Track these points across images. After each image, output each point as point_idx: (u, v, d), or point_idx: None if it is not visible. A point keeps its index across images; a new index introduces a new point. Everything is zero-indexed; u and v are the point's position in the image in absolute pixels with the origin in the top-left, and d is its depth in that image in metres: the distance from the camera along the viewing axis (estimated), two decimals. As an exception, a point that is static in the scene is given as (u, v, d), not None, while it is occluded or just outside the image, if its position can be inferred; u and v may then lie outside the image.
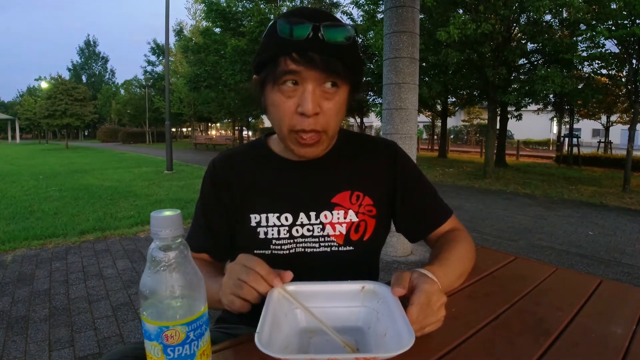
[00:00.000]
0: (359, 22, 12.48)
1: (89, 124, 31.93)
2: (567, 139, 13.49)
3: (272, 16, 13.44)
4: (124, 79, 52.38)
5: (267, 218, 0.77)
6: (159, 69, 35.70)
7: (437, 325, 0.56)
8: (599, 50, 7.95)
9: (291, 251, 0.76)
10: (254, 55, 0.73)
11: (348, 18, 13.69)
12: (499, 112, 11.13)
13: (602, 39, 7.37)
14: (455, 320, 0.61)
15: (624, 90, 9.14)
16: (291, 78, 0.66)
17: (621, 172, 8.45)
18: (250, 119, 24.97)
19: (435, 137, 24.69)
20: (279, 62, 0.65)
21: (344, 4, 17.96)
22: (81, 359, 1.86)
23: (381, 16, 10.24)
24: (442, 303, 0.57)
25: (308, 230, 0.77)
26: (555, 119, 18.60)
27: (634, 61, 7.53)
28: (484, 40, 8.22)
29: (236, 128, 28.01)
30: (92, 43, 54.95)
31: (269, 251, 0.76)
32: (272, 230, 0.76)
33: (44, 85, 28.65)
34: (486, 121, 10.55)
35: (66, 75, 47.77)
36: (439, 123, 19.86)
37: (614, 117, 17.25)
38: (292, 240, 0.76)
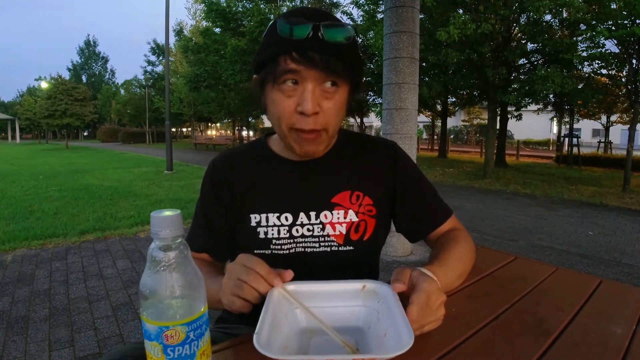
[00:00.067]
0: (359, 22, 12.48)
1: (89, 124, 31.94)
2: (567, 139, 13.49)
3: (272, 16, 13.44)
4: (124, 79, 52.45)
5: (267, 218, 0.77)
6: (159, 69, 35.76)
7: (436, 324, 0.56)
8: (599, 50, 7.95)
9: (291, 251, 0.76)
10: (254, 55, 0.73)
11: (348, 18, 13.70)
12: (499, 112, 11.13)
13: (602, 39, 7.37)
14: (455, 320, 0.61)
15: (624, 90, 9.13)
16: (291, 77, 0.66)
17: (621, 172, 8.45)
18: (250, 119, 24.98)
19: (435, 137, 24.70)
20: (279, 61, 0.65)
21: (344, 4, 18.00)
22: (81, 359, 1.86)
23: (381, 16, 10.24)
24: (442, 302, 0.57)
25: (308, 230, 0.77)
26: (555, 119, 18.60)
27: (634, 61, 7.53)
28: (484, 40, 8.22)
29: (236, 128, 28.02)
30: (92, 43, 54.99)
31: (269, 251, 0.76)
32: (272, 230, 0.76)
33: (44, 85, 28.66)
34: (486, 121, 10.55)
35: (66, 75, 47.83)
36: (439, 123, 19.86)
37: (614, 117, 17.25)
38: (292, 240, 0.76)
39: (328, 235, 0.77)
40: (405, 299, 0.56)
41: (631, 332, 0.59)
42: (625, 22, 7.18)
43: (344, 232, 0.77)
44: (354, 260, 0.78)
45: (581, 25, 8.41)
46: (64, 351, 1.92)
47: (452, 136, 30.20)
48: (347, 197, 0.79)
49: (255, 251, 0.76)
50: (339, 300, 0.60)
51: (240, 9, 15.52)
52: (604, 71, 9.02)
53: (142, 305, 0.41)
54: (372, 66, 12.33)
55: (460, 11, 8.61)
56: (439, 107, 16.30)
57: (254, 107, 19.57)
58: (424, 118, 22.43)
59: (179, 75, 25.84)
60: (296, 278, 0.59)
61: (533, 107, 13.21)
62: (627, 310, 0.67)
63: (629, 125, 7.88)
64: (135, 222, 4.44)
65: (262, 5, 14.43)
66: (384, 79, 3.32)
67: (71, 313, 2.32)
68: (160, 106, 26.23)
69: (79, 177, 8.48)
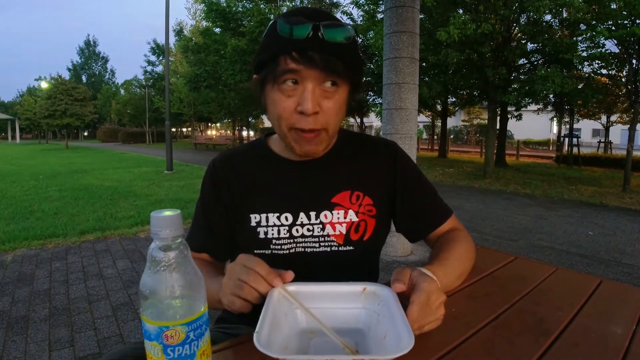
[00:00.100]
0: (359, 22, 12.48)
1: (89, 124, 31.93)
2: (567, 139, 13.49)
3: (272, 16, 13.44)
4: (124, 79, 52.45)
5: (267, 218, 0.77)
6: (159, 69, 35.76)
7: (436, 324, 0.56)
8: (599, 50, 7.95)
9: (291, 251, 0.76)
10: (254, 55, 0.73)
11: (348, 18, 13.70)
12: (499, 112, 11.13)
13: (602, 39, 7.37)
14: (455, 320, 0.61)
15: (624, 90, 9.13)
16: (291, 77, 0.66)
17: (621, 172, 8.45)
18: (250, 119, 24.98)
19: (435, 137, 24.70)
20: (279, 61, 0.65)
21: (344, 4, 18.00)
22: (81, 359, 1.86)
23: (381, 16, 10.24)
24: (441, 302, 0.57)
25: (308, 230, 0.77)
26: (555, 119, 18.60)
27: (634, 61, 7.53)
28: (484, 40, 8.22)
29: (237, 128, 28.02)
30: (92, 43, 54.99)
31: (269, 251, 0.76)
32: (272, 230, 0.76)
33: (44, 85, 28.66)
34: (486, 121, 10.55)
35: (66, 75, 47.84)
36: (439, 123, 19.86)
37: (614, 117, 17.25)
38: (292, 240, 0.76)
39: (328, 235, 0.77)
40: (405, 298, 0.56)
41: (631, 332, 0.59)
42: (625, 22, 7.18)
43: (344, 232, 0.77)
44: (354, 260, 0.78)
45: (581, 25, 8.41)
46: (64, 351, 1.92)
47: (452, 136, 30.20)
48: (347, 197, 0.79)
49: (255, 251, 0.76)
50: (339, 301, 0.60)
51: (240, 9, 15.53)
52: (604, 71, 9.02)
53: (142, 305, 0.41)
54: (372, 66, 12.33)
55: (460, 11, 8.61)
56: (439, 107, 16.30)
57: (254, 107, 19.57)
58: (424, 118, 22.43)
59: (179, 75, 25.84)
60: (296, 278, 0.59)
61: (533, 107, 13.21)
62: (627, 310, 0.67)
63: (629, 125, 7.88)
64: (135, 222, 4.44)
65: (262, 5, 14.43)
66: (384, 79, 3.32)
67: (71, 313, 2.32)
68: (160, 106, 26.23)
69: (79, 177, 8.48)
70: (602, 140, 16.47)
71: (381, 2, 10.30)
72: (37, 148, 23.55)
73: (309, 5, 13.93)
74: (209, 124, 37.88)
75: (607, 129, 17.55)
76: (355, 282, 0.62)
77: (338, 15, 11.60)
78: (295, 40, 0.63)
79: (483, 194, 7.08)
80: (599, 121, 16.94)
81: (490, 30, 7.67)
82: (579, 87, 9.10)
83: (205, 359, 0.43)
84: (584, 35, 8.34)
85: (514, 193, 7.17)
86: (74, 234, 3.97)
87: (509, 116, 12.73)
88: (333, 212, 0.77)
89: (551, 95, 11.64)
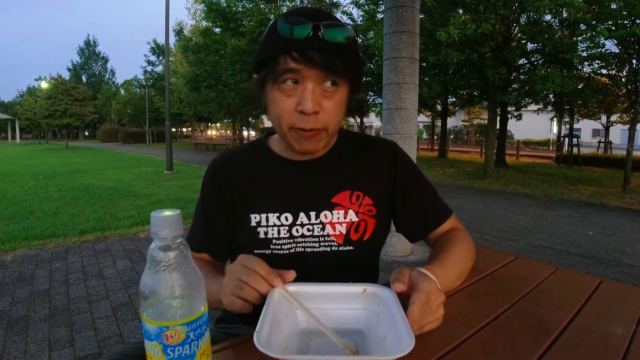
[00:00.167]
0: (359, 22, 12.48)
1: (89, 124, 31.94)
2: (567, 139, 13.49)
3: (272, 16, 13.44)
4: (124, 79, 52.47)
5: (267, 218, 0.77)
6: (159, 69, 35.76)
7: (436, 324, 0.56)
8: (599, 50, 7.95)
9: (291, 251, 0.76)
10: (254, 55, 0.73)
11: (348, 18, 13.70)
12: (499, 112, 11.13)
13: (602, 39, 7.37)
14: (455, 320, 0.61)
15: (624, 90, 9.13)
16: (291, 77, 0.66)
17: (621, 172, 8.45)
18: (250, 119, 24.97)
19: (435, 137, 24.70)
20: (279, 60, 0.65)
21: (344, 4, 18.03)
22: (81, 359, 1.86)
23: (381, 16, 10.24)
24: (441, 302, 0.57)
25: (308, 230, 0.77)
26: (555, 119, 18.60)
27: (634, 61, 7.53)
28: (484, 40, 8.22)
29: (237, 128, 28.02)
30: (92, 43, 54.99)
31: (269, 251, 0.76)
32: (272, 230, 0.76)
33: (44, 85, 28.66)
34: (486, 121, 10.55)
35: (66, 75, 47.83)
36: (439, 123, 19.86)
37: (614, 117, 17.25)
38: (292, 240, 0.76)
39: (328, 235, 0.77)
40: (405, 299, 0.56)
41: (631, 332, 0.59)
42: (625, 22, 7.18)
43: (344, 232, 0.77)
44: (354, 260, 0.78)
45: (581, 25, 8.41)
46: (64, 351, 1.92)
47: (452, 136, 30.20)
48: (347, 197, 0.79)
49: (255, 251, 0.76)
50: (340, 302, 0.60)
51: (240, 9, 15.53)
52: (604, 71, 9.02)
53: (142, 305, 0.41)
54: (372, 66, 12.33)
55: (460, 11, 8.61)
56: (439, 107, 16.30)
57: (254, 107, 19.57)
58: (424, 118, 22.43)
59: (179, 75, 25.84)
60: (296, 278, 0.59)
61: (533, 107, 13.21)
62: (627, 310, 0.67)
63: (629, 125, 7.88)
64: (135, 222, 4.44)
65: (262, 5, 14.43)
66: (384, 79, 3.32)
67: (71, 313, 2.32)
68: (160, 106, 26.23)
69: (79, 177, 8.48)
70: (602, 140, 16.48)
71: (381, 2, 10.30)
72: (37, 148, 23.55)
73: (309, 5, 13.94)
74: (209, 124, 37.88)
75: (607, 129, 17.55)
76: (355, 282, 0.62)
77: (338, 15, 11.60)
78: (296, 40, 0.64)
79: (483, 194, 7.08)
80: (599, 121, 16.94)
81: (490, 30, 7.68)
82: (579, 87, 9.10)
83: (205, 359, 0.43)
84: (584, 35, 8.35)
85: (514, 193, 7.17)
86: (74, 234, 3.97)
87: (509, 116, 12.73)
88: (333, 212, 0.77)
89: (551, 95, 11.64)
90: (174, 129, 36.42)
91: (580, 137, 13.32)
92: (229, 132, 33.77)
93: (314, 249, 0.77)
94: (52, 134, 43.70)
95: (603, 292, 0.75)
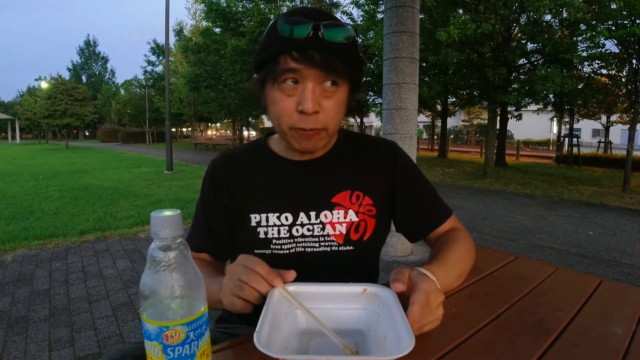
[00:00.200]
0: (359, 22, 12.48)
1: (89, 124, 31.93)
2: (567, 139, 13.49)
3: (272, 16, 13.45)
4: (124, 79, 52.48)
5: (267, 218, 0.77)
6: (159, 69, 35.76)
7: (435, 324, 0.56)
8: (599, 50, 7.95)
9: (291, 251, 0.76)
10: (254, 55, 0.73)
11: (348, 18, 13.70)
12: (499, 112, 11.13)
13: (602, 39, 7.37)
14: (455, 320, 0.61)
15: (624, 90, 9.13)
16: (291, 76, 0.66)
17: (621, 172, 8.45)
18: (250, 119, 24.97)
19: (435, 137, 24.69)
20: (279, 60, 0.65)
21: (344, 4, 18.02)
22: (81, 359, 1.86)
23: (381, 16, 10.24)
24: (440, 301, 0.57)
25: (308, 230, 0.77)
26: (555, 119, 18.60)
27: (634, 61, 7.53)
28: (484, 40, 8.22)
29: (237, 128, 28.02)
30: (92, 43, 54.99)
31: (269, 251, 0.76)
32: (272, 230, 0.76)
33: (44, 85, 28.65)
34: (486, 121, 10.55)
35: (66, 75, 47.83)
36: (439, 123, 19.86)
37: (614, 117, 17.25)
38: (292, 240, 0.76)
39: (328, 235, 0.77)
40: (404, 298, 0.56)
41: (631, 332, 0.59)
42: (625, 22, 7.18)
43: (344, 232, 0.77)
44: (354, 260, 0.78)
45: (581, 25, 8.41)
46: (64, 351, 1.92)
47: (452, 136, 30.20)
48: (347, 197, 0.79)
49: (255, 251, 0.76)
50: (340, 302, 0.60)
51: (240, 9, 15.53)
52: (604, 71, 9.03)
53: (142, 305, 0.41)
54: (372, 66, 12.33)
55: (460, 11, 8.61)
56: (439, 107, 16.30)
57: (254, 107, 19.57)
58: (424, 118, 22.43)
59: (179, 75, 25.84)
60: (296, 278, 0.60)
61: (533, 107, 13.21)
62: (627, 310, 0.67)
63: (629, 125, 7.88)
64: (135, 222, 4.44)
65: (262, 5, 14.43)
66: (384, 79, 3.32)
67: (71, 313, 2.32)
68: (160, 106, 26.23)
69: (79, 177, 8.48)
70: (602, 140, 16.47)
71: (381, 2, 10.30)
72: (37, 148, 23.55)
73: (309, 5, 13.94)
74: (209, 124, 37.88)
75: (607, 129, 17.55)
76: (355, 282, 0.62)
77: (338, 15, 11.61)
78: (296, 40, 0.64)
79: (483, 194, 7.08)
80: (599, 121, 16.93)
81: (490, 30, 7.68)
82: (579, 87, 9.11)
83: (205, 359, 0.43)
84: (584, 35, 8.35)
85: (514, 193, 7.17)
86: (74, 234, 3.97)
87: (509, 116, 12.73)
88: (333, 212, 0.77)
89: (551, 95, 11.64)
90: (174, 129, 36.42)
91: (580, 137, 13.33)
92: (228, 132, 33.76)
93: (314, 249, 0.77)
94: (52, 134, 43.71)
95: (603, 292, 0.75)
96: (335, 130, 0.74)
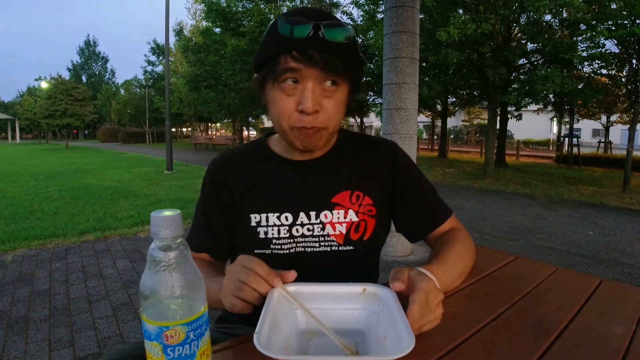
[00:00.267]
0: (359, 22, 12.48)
1: (89, 124, 31.94)
2: (567, 139, 13.49)
3: (272, 16, 13.45)
4: (124, 79, 52.48)
5: (267, 218, 0.77)
6: (159, 69, 35.76)
7: (435, 323, 0.56)
8: (599, 50, 7.95)
9: (291, 251, 0.76)
10: (254, 55, 0.73)
11: (348, 18, 13.70)
12: (499, 112, 11.13)
13: (602, 39, 7.37)
14: (455, 320, 0.61)
15: (624, 90, 9.13)
16: (291, 76, 0.66)
17: (621, 172, 8.45)
18: (250, 119, 24.97)
19: (435, 137, 24.69)
20: (280, 60, 0.66)
21: (344, 4, 18.05)
22: (81, 359, 1.86)
23: (381, 16, 10.24)
24: (439, 301, 0.57)
25: (308, 229, 0.77)
26: (555, 119, 18.60)
27: (634, 61, 7.53)
28: (484, 40, 8.22)
29: (237, 128, 28.02)
30: (92, 43, 54.97)
31: (269, 251, 0.76)
32: (272, 230, 0.76)
33: (44, 85, 28.65)
34: (486, 121, 10.55)
35: (66, 75, 47.82)
36: (439, 123, 19.86)
37: (614, 117, 17.25)
38: (292, 240, 0.76)
39: (328, 235, 0.77)
40: (403, 298, 0.56)
41: (631, 332, 0.59)
42: (625, 22, 7.18)
43: (344, 232, 0.77)
44: (354, 260, 0.78)
45: (581, 25, 8.41)
46: (64, 351, 1.92)
47: (452, 136, 30.20)
48: (347, 197, 0.79)
49: (255, 251, 0.76)
50: (340, 302, 0.59)
51: (240, 9, 15.53)
52: (604, 71, 9.03)
53: (142, 305, 0.41)
54: (372, 66, 12.33)
55: (460, 11, 8.61)
56: (439, 107, 16.30)
57: (254, 107, 19.58)
58: (424, 118, 22.43)
59: (179, 75, 25.84)
60: (296, 278, 0.60)
61: (533, 107, 13.21)
62: (627, 310, 0.67)
63: (629, 125, 7.88)
64: (135, 222, 4.44)
65: (262, 5, 14.43)
66: (384, 79, 3.32)
67: (71, 313, 2.32)
68: (160, 106, 26.22)
69: (79, 177, 8.48)
70: (602, 140, 16.47)
71: (381, 2, 10.30)
72: (37, 148, 23.55)
73: (309, 5, 13.94)
74: (209, 124, 37.88)
75: (607, 129, 17.55)
76: (355, 282, 0.62)
77: (338, 15, 11.62)
78: (296, 40, 0.64)
79: (483, 194, 7.08)
80: (599, 121, 16.94)
81: (490, 30, 7.67)
82: (579, 87, 9.11)
83: (205, 359, 0.43)
84: (584, 35, 8.35)
85: (514, 193, 7.17)
86: (74, 234, 3.96)
87: (509, 116, 12.73)
88: (333, 212, 0.77)
89: (551, 95, 11.64)
90: (174, 129, 36.42)
91: (580, 137, 13.33)
92: (228, 132, 33.75)
93: (314, 249, 0.77)
94: (52, 134, 43.70)
95: (603, 292, 0.75)
96: (336, 130, 0.74)
